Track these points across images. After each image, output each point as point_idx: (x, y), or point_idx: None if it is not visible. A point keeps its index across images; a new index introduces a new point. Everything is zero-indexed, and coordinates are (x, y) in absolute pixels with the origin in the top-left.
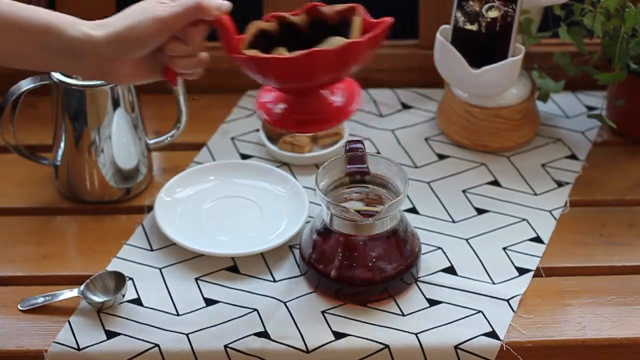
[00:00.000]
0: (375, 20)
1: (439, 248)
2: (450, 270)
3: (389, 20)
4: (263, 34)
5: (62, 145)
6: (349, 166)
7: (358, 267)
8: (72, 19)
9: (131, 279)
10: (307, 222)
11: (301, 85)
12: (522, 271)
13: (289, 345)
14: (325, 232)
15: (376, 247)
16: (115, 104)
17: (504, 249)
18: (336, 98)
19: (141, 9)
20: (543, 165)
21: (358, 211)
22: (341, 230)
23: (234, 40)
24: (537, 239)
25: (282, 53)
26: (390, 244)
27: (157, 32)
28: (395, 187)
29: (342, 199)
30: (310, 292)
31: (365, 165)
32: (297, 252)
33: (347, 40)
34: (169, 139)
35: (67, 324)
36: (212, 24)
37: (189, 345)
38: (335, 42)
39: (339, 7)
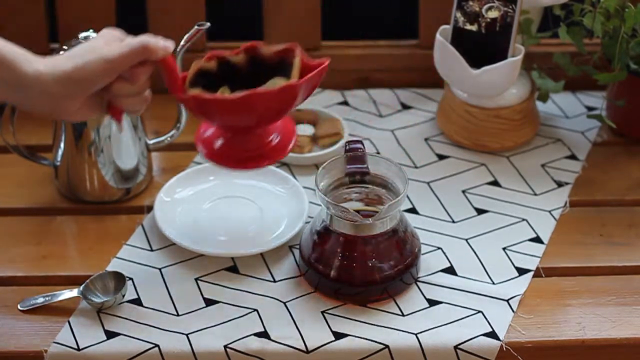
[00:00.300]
0: (314, 62)
1: (438, 248)
2: (450, 270)
3: (326, 61)
4: (203, 73)
5: (62, 145)
6: (348, 166)
7: (358, 267)
8: (27, 55)
9: (131, 279)
10: (307, 222)
11: (241, 124)
12: (521, 271)
13: (288, 346)
14: (325, 232)
15: (376, 247)
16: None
17: (504, 249)
18: (274, 136)
19: (90, 50)
20: (543, 166)
21: (358, 211)
22: (341, 231)
23: (178, 80)
24: (537, 239)
25: (224, 93)
26: (390, 244)
27: (105, 72)
28: (395, 187)
29: (342, 199)
30: (310, 292)
31: (365, 166)
32: (297, 252)
33: (287, 82)
34: (168, 139)
35: (67, 324)
36: (157, 64)
37: (189, 346)
38: (276, 83)
39: (277, 47)
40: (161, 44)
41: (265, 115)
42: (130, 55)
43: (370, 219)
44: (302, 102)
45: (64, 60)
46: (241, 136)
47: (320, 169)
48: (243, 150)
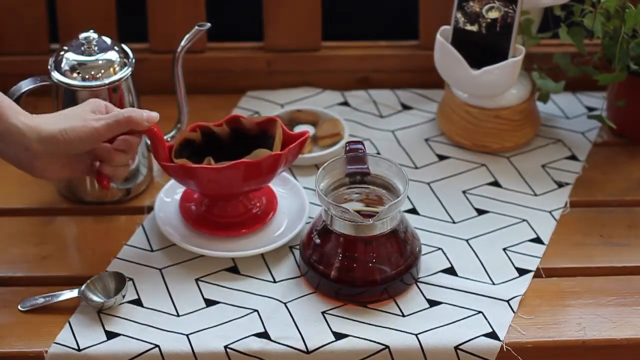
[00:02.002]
0: (294, 133)
1: (439, 249)
2: (450, 270)
3: (306, 133)
4: (188, 143)
5: None
6: (349, 167)
7: (358, 267)
8: (16, 108)
9: (131, 279)
10: (307, 223)
11: (225, 192)
12: (522, 272)
13: (289, 346)
14: (325, 233)
15: (376, 248)
16: (115, 105)
17: (504, 249)
18: (255, 205)
19: (77, 116)
20: (543, 166)
21: (358, 212)
22: (341, 231)
23: (165, 149)
24: (537, 240)
25: (210, 162)
26: (390, 244)
27: (88, 139)
28: (396, 188)
29: (342, 199)
30: (311, 293)
31: (365, 166)
32: (297, 252)
33: (271, 152)
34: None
35: (67, 324)
36: (145, 133)
37: (189, 346)
38: (259, 153)
39: (258, 119)
40: (145, 115)
41: (249, 183)
42: (115, 126)
43: (370, 220)
44: (283, 172)
45: (51, 121)
46: (223, 203)
47: (321, 169)
48: (223, 217)
